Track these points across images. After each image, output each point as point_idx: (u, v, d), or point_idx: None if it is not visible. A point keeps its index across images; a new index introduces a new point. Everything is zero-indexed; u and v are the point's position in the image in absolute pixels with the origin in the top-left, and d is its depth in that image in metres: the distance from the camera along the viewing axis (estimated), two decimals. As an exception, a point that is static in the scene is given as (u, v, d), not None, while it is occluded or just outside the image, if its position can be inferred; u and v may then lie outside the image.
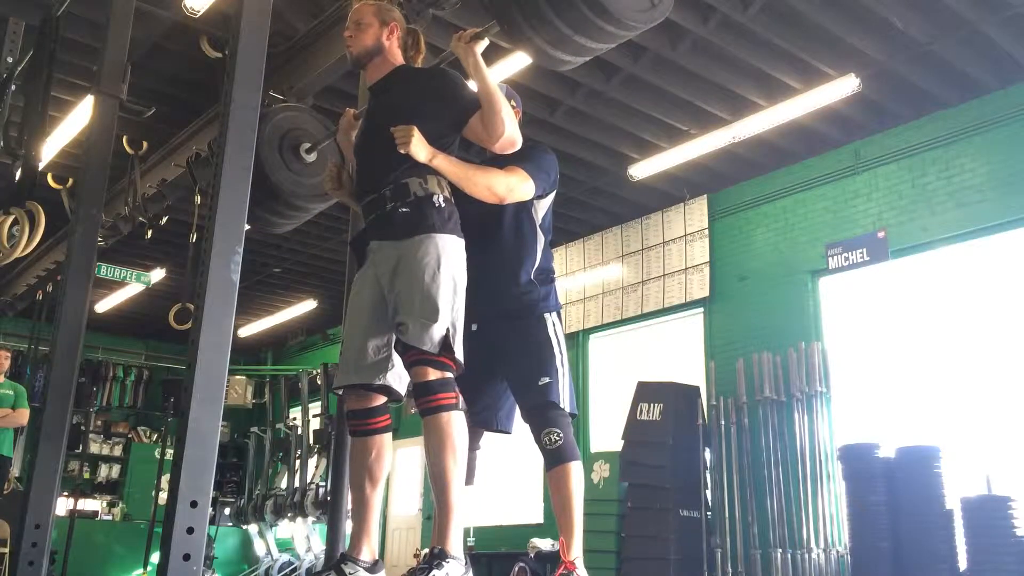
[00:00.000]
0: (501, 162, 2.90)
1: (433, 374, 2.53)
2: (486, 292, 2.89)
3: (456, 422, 2.54)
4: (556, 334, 2.99)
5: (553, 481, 2.88)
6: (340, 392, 2.78)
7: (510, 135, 2.71)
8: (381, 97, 2.89)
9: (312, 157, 3.59)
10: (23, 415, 7.35)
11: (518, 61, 6.36)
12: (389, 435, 2.78)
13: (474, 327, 2.82)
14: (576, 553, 2.83)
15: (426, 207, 2.66)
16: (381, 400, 2.75)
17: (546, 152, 3.05)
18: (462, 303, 2.65)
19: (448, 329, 2.57)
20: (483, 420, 3.03)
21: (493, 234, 2.97)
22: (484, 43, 2.69)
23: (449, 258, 2.64)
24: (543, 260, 3.07)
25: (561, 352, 2.98)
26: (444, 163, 2.69)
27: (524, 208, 3.00)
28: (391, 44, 2.90)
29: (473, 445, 2.87)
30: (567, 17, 2.42)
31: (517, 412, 3.08)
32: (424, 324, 2.55)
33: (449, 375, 2.56)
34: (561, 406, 2.88)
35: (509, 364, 2.99)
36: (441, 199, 2.69)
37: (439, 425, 2.52)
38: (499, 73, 6.29)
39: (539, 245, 3.06)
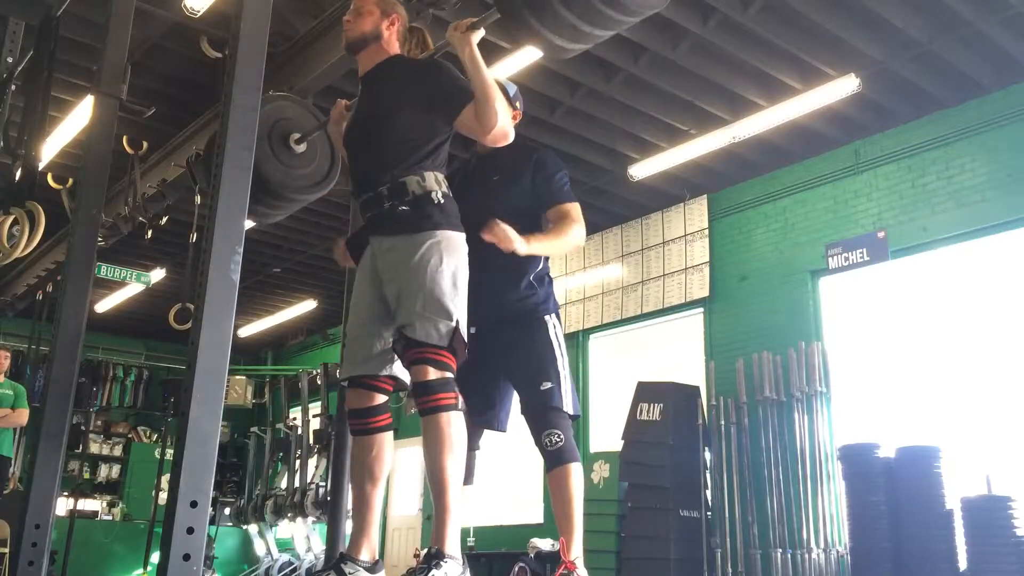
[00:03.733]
0: (548, 200, 3.05)
1: (433, 373, 2.50)
2: (487, 296, 2.89)
3: (455, 422, 2.52)
4: (556, 336, 3.02)
5: (554, 482, 2.90)
6: (345, 383, 2.76)
7: (502, 126, 2.68)
8: (372, 87, 2.84)
9: (302, 148, 3.50)
10: (23, 415, 7.35)
11: (518, 61, 6.37)
12: (390, 434, 2.76)
13: (473, 330, 2.81)
14: (576, 553, 2.84)
15: (426, 205, 2.64)
16: (382, 399, 2.73)
17: (566, 172, 3.16)
18: (464, 298, 2.64)
19: (456, 322, 2.57)
20: (485, 420, 3.04)
21: None
22: (480, 33, 2.65)
23: (451, 254, 2.63)
24: (544, 264, 3.11)
25: (562, 354, 3.00)
26: (538, 244, 2.86)
27: (531, 215, 3.04)
28: (389, 35, 2.84)
29: (472, 444, 2.87)
30: (575, 7, 2.41)
31: (513, 411, 3.10)
32: (430, 320, 2.54)
33: (449, 375, 2.54)
34: (563, 409, 2.91)
35: (510, 366, 3.02)
36: (440, 195, 2.67)
37: (438, 425, 2.50)
38: (500, 72, 6.28)
39: None
